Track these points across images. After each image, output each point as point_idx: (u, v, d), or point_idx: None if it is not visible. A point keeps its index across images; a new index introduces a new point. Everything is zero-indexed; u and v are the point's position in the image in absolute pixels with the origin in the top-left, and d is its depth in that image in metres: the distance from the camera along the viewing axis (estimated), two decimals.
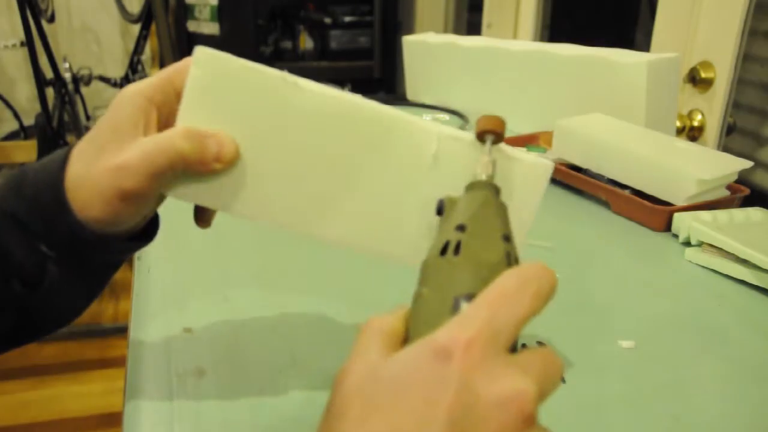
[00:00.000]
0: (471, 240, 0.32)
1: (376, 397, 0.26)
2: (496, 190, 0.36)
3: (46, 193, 0.38)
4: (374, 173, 0.41)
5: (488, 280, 0.29)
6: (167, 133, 0.38)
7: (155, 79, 0.40)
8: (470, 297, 0.29)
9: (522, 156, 0.41)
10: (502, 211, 0.35)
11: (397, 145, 0.41)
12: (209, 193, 0.40)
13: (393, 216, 0.42)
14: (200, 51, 0.38)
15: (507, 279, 0.29)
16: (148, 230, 0.44)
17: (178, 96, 0.39)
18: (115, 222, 0.39)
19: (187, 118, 0.39)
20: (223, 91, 0.39)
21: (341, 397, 0.27)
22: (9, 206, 0.38)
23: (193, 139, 0.38)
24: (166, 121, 0.40)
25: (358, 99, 0.41)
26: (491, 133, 0.38)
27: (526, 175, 0.41)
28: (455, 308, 0.29)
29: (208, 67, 0.39)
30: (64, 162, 0.38)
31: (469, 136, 0.41)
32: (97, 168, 0.37)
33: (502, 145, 0.40)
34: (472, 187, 0.36)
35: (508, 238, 0.33)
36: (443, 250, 0.32)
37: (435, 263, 0.32)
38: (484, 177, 0.36)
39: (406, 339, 0.31)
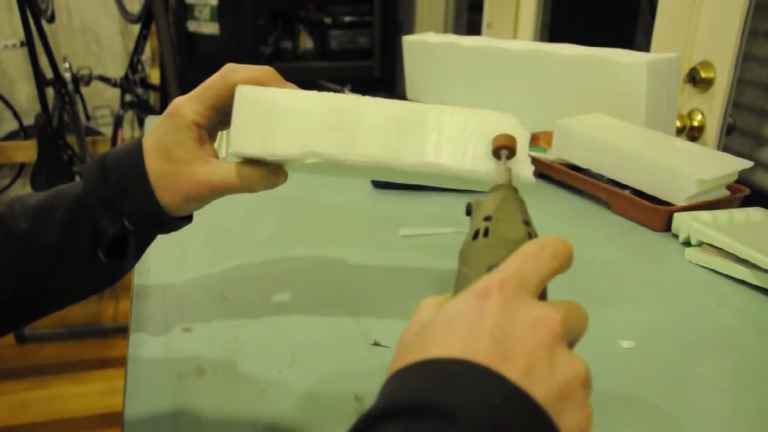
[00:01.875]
0: (497, 225, 0.38)
1: (429, 333, 0.31)
2: (515, 190, 0.42)
3: (133, 181, 0.48)
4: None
5: (514, 252, 0.35)
6: (233, 169, 0.50)
7: (209, 93, 0.50)
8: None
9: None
10: (521, 203, 0.41)
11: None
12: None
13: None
14: (240, 89, 0.48)
15: (529, 245, 0.35)
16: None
17: (231, 90, 0.49)
18: (184, 210, 0.51)
19: (238, 144, 0.49)
20: (263, 118, 0.49)
21: (402, 345, 0.33)
22: (99, 191, 0.48)
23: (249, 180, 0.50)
24: (224, 108, 0.50)
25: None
26: (506, 148, 0.46)
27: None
28: (488, 272, 0.34)
29: (247, 101, 0.48)
30: (141, 156, 0.49)
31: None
32: (179, 176, 0.49)
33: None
34: (494, 189, 0.42)
35: (528, 222, 0.39)
36: (475, 236, 0.38)
37: (470, 247, 0.37)
38: (502, 181, 0.43)
39: None
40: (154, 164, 0.49)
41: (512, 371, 0.29)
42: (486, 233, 0.37)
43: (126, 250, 0.50)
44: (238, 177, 0.49)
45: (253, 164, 0.50)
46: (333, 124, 0.48)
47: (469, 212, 0.43)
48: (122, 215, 0.49)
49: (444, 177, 0.49)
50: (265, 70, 0.51)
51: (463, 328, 0.30)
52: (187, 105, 0.49)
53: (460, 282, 0.36)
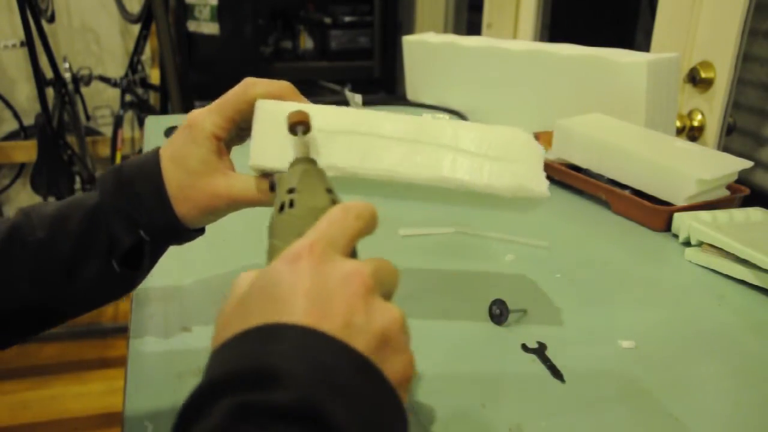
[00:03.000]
0: (301, 196, 0.39)
1: (248, 304, 0.32)
2: (313, 162, 0.44)
3: (150, 192, 0.48)
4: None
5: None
6: (251, 182, 0.50)
7: (229, 105, 0.50)
8: None
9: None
10: (322, 173, 0.42)
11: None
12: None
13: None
14: (261, 103, 0.49)
15: (333, 210, 0.36)
16: None
17: (250, 104, 0.50)
18: (201, 222, 0.51)
19: (258, 158, 0.49)
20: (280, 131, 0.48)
21: (222, 320, 0.34)
22: (115, 201, 0.48)
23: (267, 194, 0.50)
24: (242, 122, 0.51)
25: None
26: (301, 124, 0.46)
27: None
28: None
29: (268, 115, 0.49)
30: (158, 167, 0.49)
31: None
32: (197, 188, 0.49)
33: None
34: (293, 163, 0.44)
35: (330, 190, 0.41)
36: (281, 209, 0.39)
37: (277, 219, 0.39)
38: (300, 155, 0.44)
39: None
40: (171, 176, 0.49)
41: (333, 326, 0.30)
42: (291, 204, 0.39)
43: (141, 261, 0.50)
44: (257, 190, 0.50)
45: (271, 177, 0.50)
46: (351, 138, 0.49)
47: (272, 188, 0.47)
48: (138, 226, 0.49)
49: (461, 192, 0.49)
50: (284, 85, 0.51)
51: (280, 292, 0.31)
52: (207, 117, 0.49)
53: (272, 254, 0.37)
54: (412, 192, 0.51)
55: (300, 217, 0.38)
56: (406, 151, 0.49)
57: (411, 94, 1.57)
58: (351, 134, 0.49)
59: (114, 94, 2.64)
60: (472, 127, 0.50)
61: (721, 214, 0.76)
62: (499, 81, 1.29)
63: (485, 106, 1.34)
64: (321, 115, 0.49)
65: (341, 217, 0.36)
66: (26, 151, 2.48)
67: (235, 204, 0.50)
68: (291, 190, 0.40)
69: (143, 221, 0.49)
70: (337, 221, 0.35)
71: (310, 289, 0.31)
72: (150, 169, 0.49)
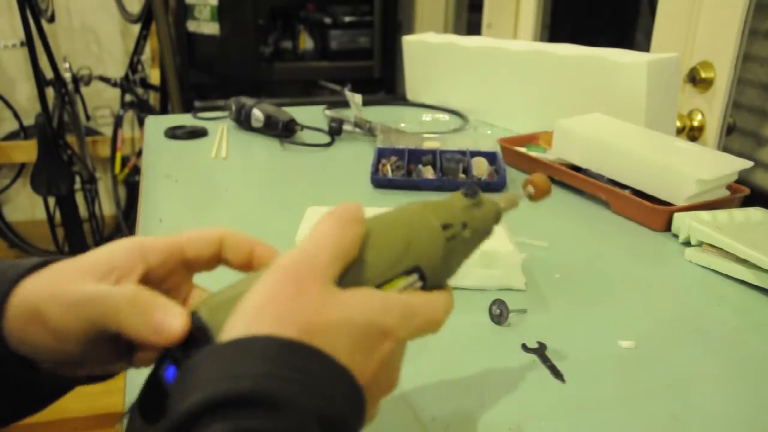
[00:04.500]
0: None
1: (313, 311, 0.31)
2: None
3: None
4: None
5: None
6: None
7: (165, 243, 0.38)
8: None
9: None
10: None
11: None
12: None
13: None
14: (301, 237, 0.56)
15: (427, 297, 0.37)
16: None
17: (184, 263, 0.39)
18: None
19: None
20: None
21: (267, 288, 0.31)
22: None
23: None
24: (158, 281, 0.38)
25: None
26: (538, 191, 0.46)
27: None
28: None
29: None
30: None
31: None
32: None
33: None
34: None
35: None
36: (451, 237, 0.40)
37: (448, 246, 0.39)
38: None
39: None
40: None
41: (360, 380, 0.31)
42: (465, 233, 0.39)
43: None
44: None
45: None
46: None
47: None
48: None
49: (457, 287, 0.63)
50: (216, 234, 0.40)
51: (359, 345, 0.32)
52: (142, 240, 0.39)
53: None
54: None
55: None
56: None
57: (411, 94, 1.57)
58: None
59: (114, 94, 2.65)
60: None
61: (721, 214, 0.76)
62: (499, 81, 1.29)
63: (485, 106, 1.34)
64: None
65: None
66: (26, 151, 2.48)
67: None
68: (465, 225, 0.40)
69: None
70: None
71: (375, 370, 0.32)
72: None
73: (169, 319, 0.32)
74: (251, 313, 0.30)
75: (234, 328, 0.30)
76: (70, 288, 0.34)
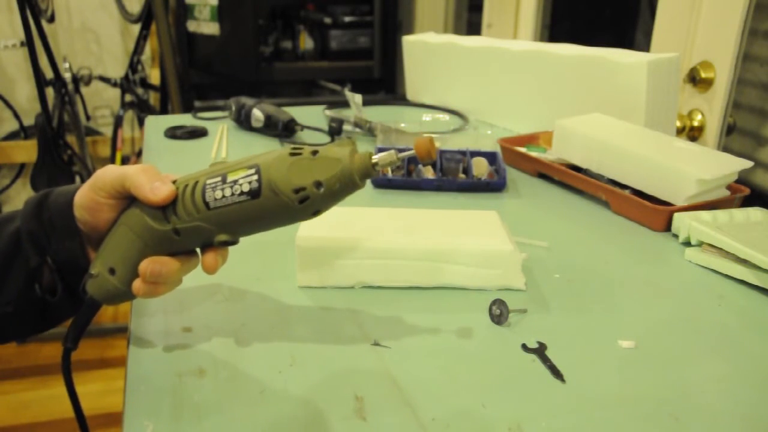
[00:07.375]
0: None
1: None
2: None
3: (63, 220, 0.51)
4: None
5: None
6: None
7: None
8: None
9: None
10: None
11: None
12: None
13: None
14: (300, 239, 0.64)
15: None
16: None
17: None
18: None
19: (302, 281, 0.65)
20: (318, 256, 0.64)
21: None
22: (31, 224, 0.51)
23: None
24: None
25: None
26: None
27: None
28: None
29: (308, 251, 0.64)
30: (72, 199, 0.51)
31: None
32: (99, 231, 0.52)
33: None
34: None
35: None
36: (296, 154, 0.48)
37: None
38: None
39: None
40: (80, 213, 0.51)
41: None
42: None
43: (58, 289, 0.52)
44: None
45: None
46: (374, 262, 0.64)
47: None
48: (46, 251, 0.51)
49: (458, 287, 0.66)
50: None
51: None
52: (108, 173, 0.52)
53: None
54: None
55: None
56: (421, 267, 0.64)
57: (411, 94, 1.57)
58: (375, 257, 0.64)
59: (114, 94, 2.65)
60: (469, 244, 0.64)
61: (721, 214, 0.76)
62: (499, 81, 1.29)
63: (485, 106, 1.34)
64: (349, 245, 0.63)
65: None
66: (26, 151, 2.48)
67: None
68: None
69: (52, 247, 0.51)
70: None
71: None
72: (66, 199, 0.51)
73: (163, 186, 0.48)
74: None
75: None
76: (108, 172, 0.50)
